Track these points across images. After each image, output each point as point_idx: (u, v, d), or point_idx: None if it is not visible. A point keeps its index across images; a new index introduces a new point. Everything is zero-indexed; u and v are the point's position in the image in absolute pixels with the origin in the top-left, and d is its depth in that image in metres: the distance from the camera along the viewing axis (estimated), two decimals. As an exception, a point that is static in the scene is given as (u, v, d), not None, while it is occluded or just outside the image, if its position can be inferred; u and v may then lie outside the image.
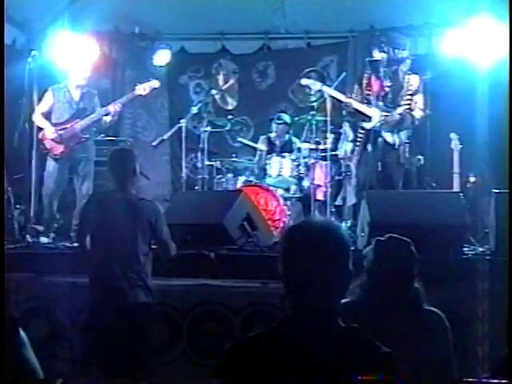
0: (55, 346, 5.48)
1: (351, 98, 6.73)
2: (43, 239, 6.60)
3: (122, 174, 4.85)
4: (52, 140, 6.96)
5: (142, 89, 7.23)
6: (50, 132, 6.97)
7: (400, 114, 6.57)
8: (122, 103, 7.17)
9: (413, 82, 6.67)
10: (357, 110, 6.67)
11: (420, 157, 7.49)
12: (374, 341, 1.98)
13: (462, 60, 7.09)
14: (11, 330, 2.50)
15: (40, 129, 6.96)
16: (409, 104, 6.62)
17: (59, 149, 6.97)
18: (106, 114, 7.09)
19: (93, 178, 7.13)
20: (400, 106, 6.63)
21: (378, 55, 6.63)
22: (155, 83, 7.32)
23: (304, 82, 7.27)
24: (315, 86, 7.11)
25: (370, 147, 6.60)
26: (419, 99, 6.65)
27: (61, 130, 6.98)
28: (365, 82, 6.75)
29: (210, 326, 5.46)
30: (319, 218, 2.09)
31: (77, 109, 7.10)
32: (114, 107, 7.06)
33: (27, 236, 6.40)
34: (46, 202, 6.91)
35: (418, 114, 6.62)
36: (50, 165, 6.99)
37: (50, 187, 6.92)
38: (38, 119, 6.93)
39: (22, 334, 2.57)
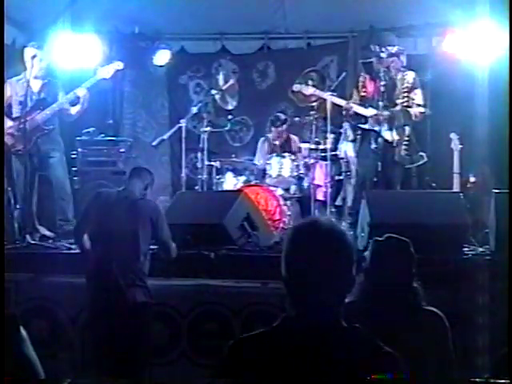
0: (55, 345, 5.48)
1: (350, 101, 6.74)
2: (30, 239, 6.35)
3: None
4: (11, 135, 6.53)
5: (106, 72, 6.88)
6: (8, 127, 6.53)
7: (391, 112, 6.57)
8: (85, 88, 6.72)
9: (408, 78, 6.67)
10: (354, 111, 6.69)
11: (422, 154, 7.48)
12: (376, 341, 1.98)
13: (462, 60, 7.08)
14: (11, 328, 2.50)
15: None
16: (406, 101, 6.62)
17: (20, 144, 6.51)
18: (71, 102, 6.70)
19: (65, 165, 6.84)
20: (397, 104, 6.64)
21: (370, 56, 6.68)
22: (118, 64, 6.97)
23: (296, 88, 7.27)
24: (308, 90, 7.11)
25: (369, 147, 6.60)
26: (416, 95, 6.65)
27: (21, 123, 6.49)
28: (360, 84, 6.78)
29: (209, 326, 5.46)
30: (324, 219, 2.06)
31: (36, 100, 6.69)
32: (77, 93, 6.66)
33: (27, 236, 6.35)
34: (21, 203, 6.52)
35: (415, 110, 6.62)
36: (16, 163, 6.60)
37: (21, 187, 6.54)
38: None
39: (23, 331, 2.57)
